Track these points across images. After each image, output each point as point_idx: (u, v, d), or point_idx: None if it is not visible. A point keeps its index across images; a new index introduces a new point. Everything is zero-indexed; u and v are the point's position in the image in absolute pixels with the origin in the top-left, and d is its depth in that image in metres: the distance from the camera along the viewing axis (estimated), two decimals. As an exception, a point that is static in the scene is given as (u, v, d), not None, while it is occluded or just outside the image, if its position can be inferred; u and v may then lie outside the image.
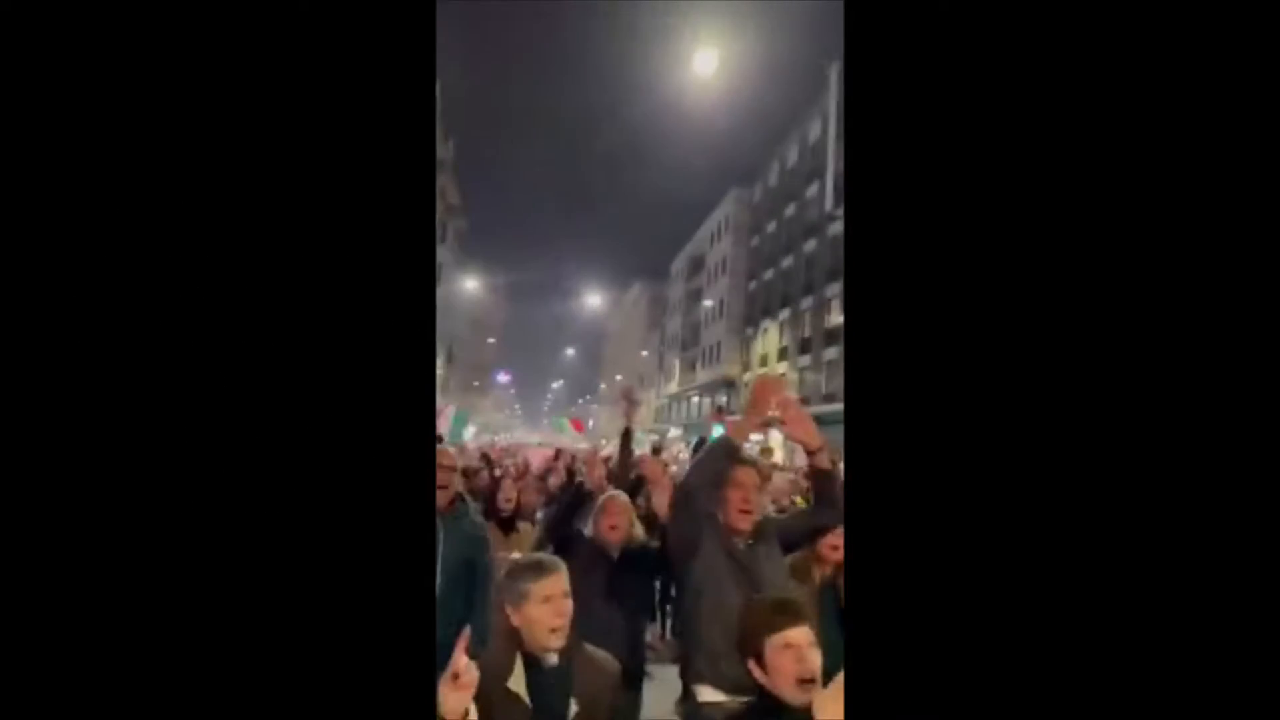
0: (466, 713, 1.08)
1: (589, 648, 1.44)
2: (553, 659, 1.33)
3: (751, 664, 1.23)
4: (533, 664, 1.33)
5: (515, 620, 1.35)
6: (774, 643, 1.20)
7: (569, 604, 1.35)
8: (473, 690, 1.08)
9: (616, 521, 2.23)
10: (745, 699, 1.54)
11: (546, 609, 1.32)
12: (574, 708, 1.31)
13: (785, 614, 1.23)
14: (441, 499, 2.19)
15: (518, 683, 1.31)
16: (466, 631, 1.12)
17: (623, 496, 2.36)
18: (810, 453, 1.91)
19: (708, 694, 1.74)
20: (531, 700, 1.29)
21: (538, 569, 1.37)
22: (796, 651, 1.17)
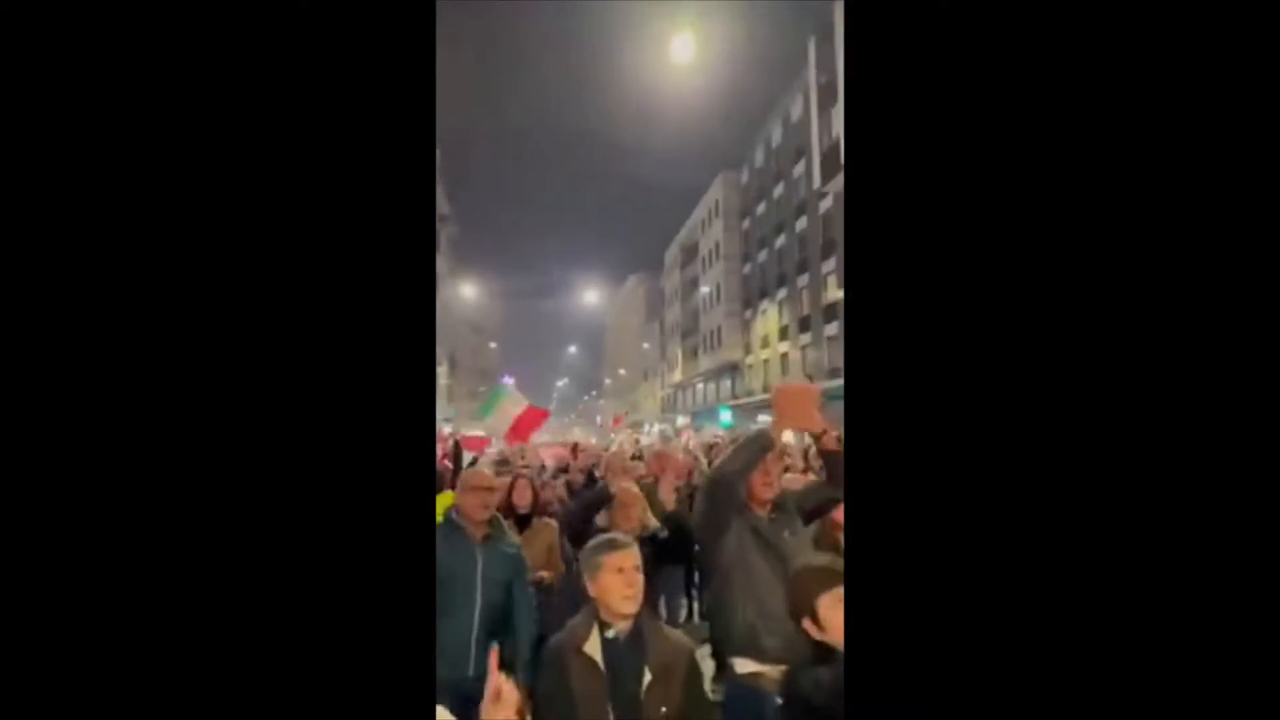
0: None
1: (663, 625, 1.57)
2: (624, 628, 1.46)
3: (807, 623, 1.33)
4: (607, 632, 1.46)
5: (592, 589, 1.49)
6: (827, 600, 1.30)
7: (640, 577, 1.49)
8: (515, 708, 1.13)
9: (630, 514, 2.38)
10: (784, 667, 1.64)
11: (619, 579, 1.47)
12: (647, 676, 1.43)
13: (835, 575, 1.34)
14: (483, 515, 2.19)
15: (593, 648, 1.44)
16: (496, 650, 1.21)
17: (634, 489, 2.49)
18: (816, 438, 2.03)
19: (747, 665, 1.83)
20: (607, 667, 1.42)
21: (611, 544, 1.53)
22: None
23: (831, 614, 1.28)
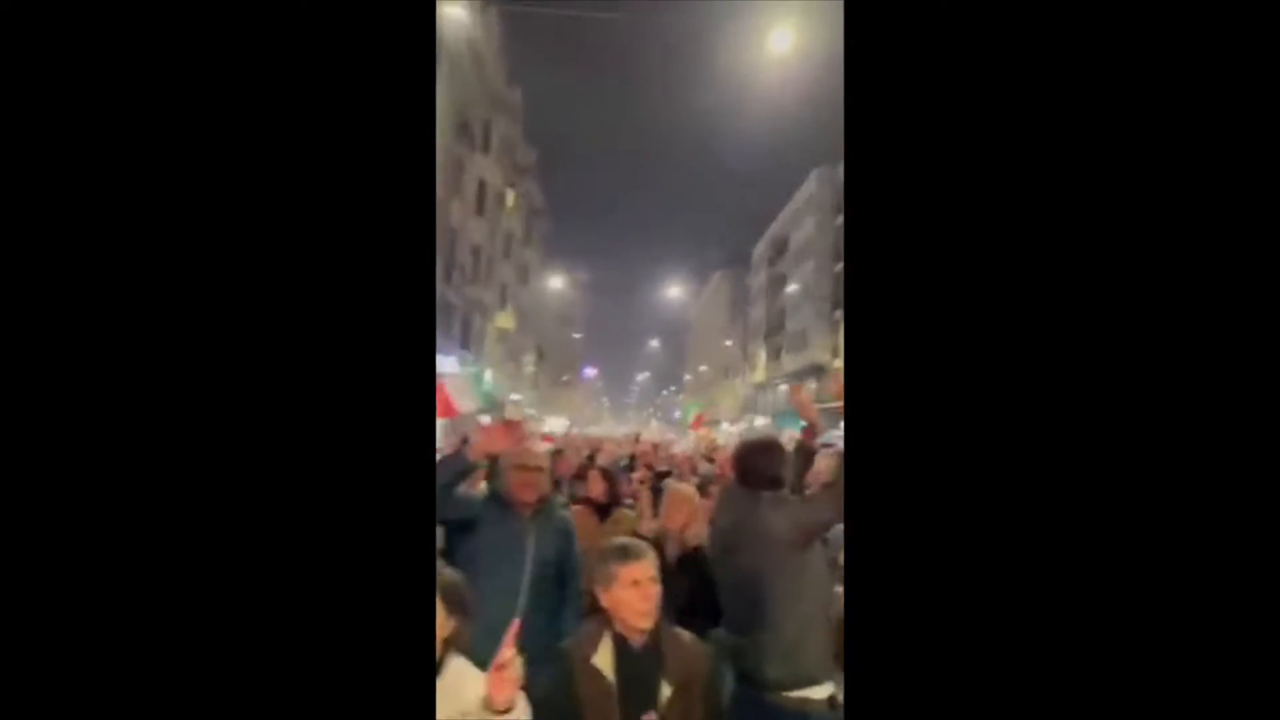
0: (512, 705, 1.12)
1: (679, 630, 1.47)
2: (640, 640, 1.39)
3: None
4: (621, 644, 1.39)
5: (604, 601, 1.42)
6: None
7: (657, 589, 1.39)
8: (518, 682, 1.11)
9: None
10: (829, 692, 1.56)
11: (634, 592, 1.37)
12: (666, 690, 1.35)
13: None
14: (530, 496, 2.15)
15: (603, 660, 1.38)
16: (516, 624, 1.16)
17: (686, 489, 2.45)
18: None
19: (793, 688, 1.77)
20: (619, 679, 1.36)
21: (624, 553, 1.42)
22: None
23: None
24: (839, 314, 26.89)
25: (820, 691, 1.68)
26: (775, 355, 34.31)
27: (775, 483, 1.94)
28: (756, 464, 1.95)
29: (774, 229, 36.78)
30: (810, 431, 2.30)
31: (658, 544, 2.25)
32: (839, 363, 26.50)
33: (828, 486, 1.87)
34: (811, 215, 29.83)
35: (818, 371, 28.21)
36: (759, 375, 37.37)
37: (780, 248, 35.20)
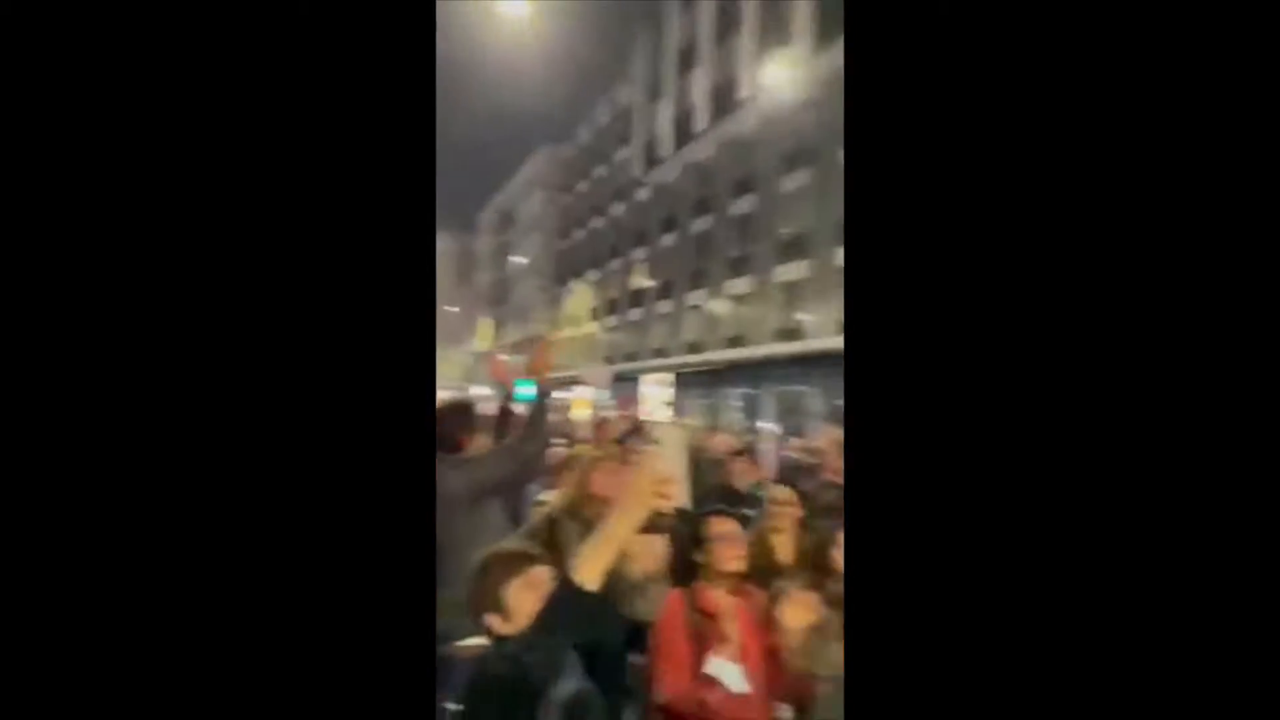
0: None
1: None
2: None
3: (490, 618, 1.17)
4: None
5: None
6: (516, 585, 1.17)
7: None
8: None
9: None
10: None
11: None
12: None
13: (526, 558, 1.23)
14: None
15: None
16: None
17: None
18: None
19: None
20: None
21: None
22: (540, 590, 1.14)
23: (520, 600, 1.15)
24: (560, 289, 28.07)
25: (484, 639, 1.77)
26: (499, 325, 34.26)
27: (455, 446, 1.95)
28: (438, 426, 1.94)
29: (500, 199, 36.36)
30: (508, 397, 2.38)
31: None
32: (557, 335, 27.71)
33: (503, 446, 1.95)
34: (539, 190, 30.30)
35: (538, 343, 29.11)
36: (485, 344, 36.93)
37: (507, 218, 35.03)
